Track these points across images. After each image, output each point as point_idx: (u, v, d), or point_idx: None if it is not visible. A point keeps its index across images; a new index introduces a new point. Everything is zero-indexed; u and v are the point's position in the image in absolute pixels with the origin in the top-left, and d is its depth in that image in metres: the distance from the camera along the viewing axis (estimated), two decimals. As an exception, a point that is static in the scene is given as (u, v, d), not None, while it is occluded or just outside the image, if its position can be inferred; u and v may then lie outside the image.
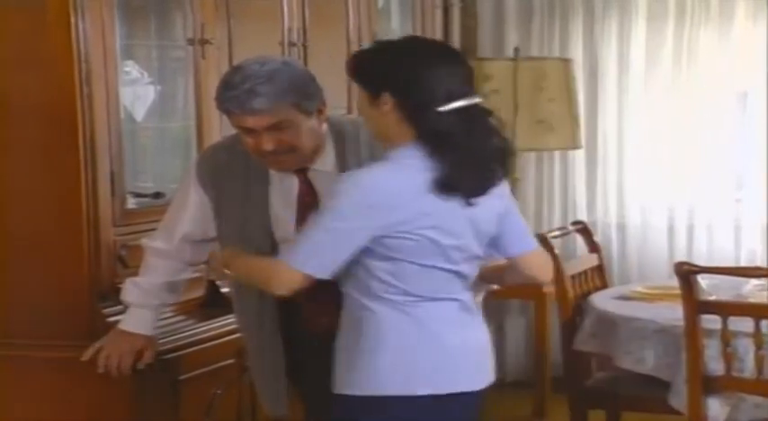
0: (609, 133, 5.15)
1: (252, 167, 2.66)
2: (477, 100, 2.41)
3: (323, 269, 2.34)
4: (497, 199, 2.43)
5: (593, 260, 4.37)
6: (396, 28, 4.78)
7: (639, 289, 4.12)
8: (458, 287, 2.43)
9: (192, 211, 2.75)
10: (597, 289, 4.24)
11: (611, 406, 4.06)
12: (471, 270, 2.46)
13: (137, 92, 3.50)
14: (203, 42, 3.43)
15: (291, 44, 3.85)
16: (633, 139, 5.13)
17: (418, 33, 4.78)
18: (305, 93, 2.58)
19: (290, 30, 3.87)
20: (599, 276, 4.33)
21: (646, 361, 3.64)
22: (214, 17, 3.51)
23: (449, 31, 5.18)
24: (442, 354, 2.38)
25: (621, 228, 5.17)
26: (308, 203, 2.64)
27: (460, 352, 2.40)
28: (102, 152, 3.10)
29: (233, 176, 2.69)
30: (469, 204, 2.36)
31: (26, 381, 3.16)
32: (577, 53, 5.14)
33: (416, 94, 2.34)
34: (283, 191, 2.67)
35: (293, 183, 2.66)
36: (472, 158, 2.34)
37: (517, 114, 4.82)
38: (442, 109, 2.33)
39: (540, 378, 4.87)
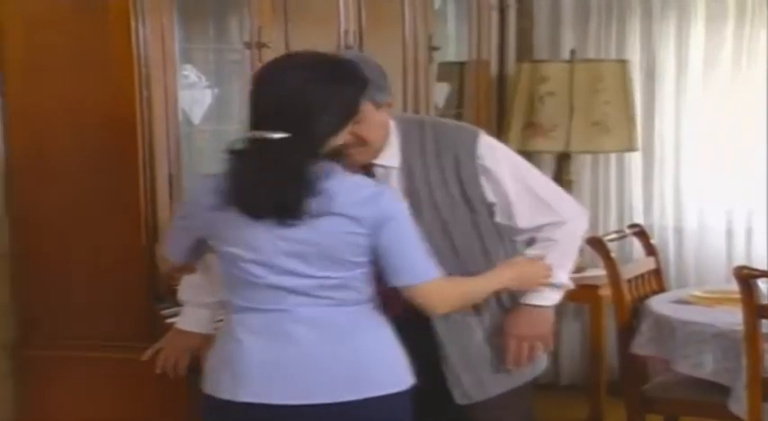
0: (666, 135, 5.11)
1: None
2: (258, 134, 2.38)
3: (175, 254, 2.61)
4: (344, 224, 2.37)
5: (649, 263, 4.33)
6: (452, 30, 4.78)
7: (698, 293, 4.08)
8: (288, 300, 2.40)
9: None
10: (654, 292, 4.21)
11: (669, 411, 4.03)
12: (300, 284, 2.40)
13: (194, 95, 3.54)
14: (260, 46, 3.45)
15: (347, 47, 3.87)
16: (691, 141, 5.08)
17: (474, 35, 4.78)
18: (378, 86, 2.62)
19: (346, 32, 3.89)
20: (656, 280, 4.30)
21: (704, 365, 3.61)
22: (271, 20, 3.53)
23: (504, 32, 5.17)
24: (240, 363, 2.42)
25: (678, 231, 5.12)
26: None
27: (260, 362, 2.41)
28: (161, 155, 3.14)
29: None
30: (282, 224, 2.36)
31: (85, 382, 3.20)
32: (634, 55, 5.10)
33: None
34: None
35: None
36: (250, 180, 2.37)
37: (573, 116, 4.79)
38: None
39: (595, 381, 4.84)
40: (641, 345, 3.88)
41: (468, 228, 2.74)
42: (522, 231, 2.80)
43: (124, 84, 3.06)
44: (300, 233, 2.37)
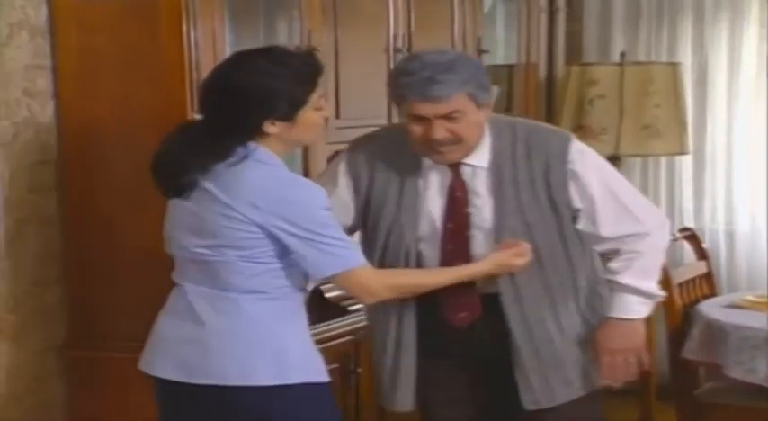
0: (717, 138, 5.06)
1: (405, 159, 2.69)
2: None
3: None
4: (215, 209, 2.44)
5: (701, 267, 4.30)
6: (501, 33, 4.77)
7: (750, 297, 4.04)
8: (193, 275, 2.52)
9: (333, 200, 2.70)
10: (705, 297, 4.17)
11: (721, 417, 3.98)
12: (199, 258, 2.49)
13: (244, 98, 3.55)
14: (310, 49, 3.45)
15: (397, 50, 3.87)
16: (743, 145, 5.03)
17: (523, 38, 4.77)
18: (481, 84, 2.62)
19: (395, 36, 3.89)
20: (707, 284, 4.26)
21: (757, 371, 3.57)
22: (321, 24, 3.54)
23: (553, 35, 5.14)
24: (153, 335, 2.59)
25: (730, 234, 5.07)
26: (459, 198, 2.69)
27: (160, 336, 2.57)
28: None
29: (387, 167, 2.73)
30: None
31: (133, 383, 3.21)
32: (686, 57, 5.05)
33: None
34: (433, 183, 2.71)
35: (445, 176, 2.70)
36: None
37: (623, 120, 4.76)
38: None
39: (645, 386, 4.80)
40: (692, 350, 3.85)
41: (553, 232, 2.72)
42: (604, 240, 2.76)
43: (175, 87, 3.08)
44: (191, 206, 2.47)
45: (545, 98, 5.08)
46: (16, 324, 3.22)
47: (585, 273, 2.79)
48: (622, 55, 4.92)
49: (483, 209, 2.69)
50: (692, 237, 4.41)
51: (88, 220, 3.26)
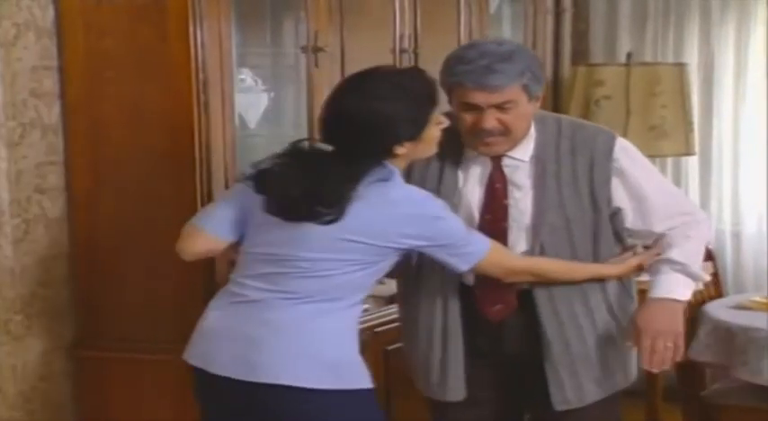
0: (724, 140, 5.05)
1: (447, 147, 2.68)
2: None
3: (218, 229, 2.67)
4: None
5: (707, 268, 4.26)
6: (507, 33, 4.76)
7: (757, 298, 4.04)
8: (270, 278, 2.53)
9: None
10: (712, 298, 4.17)
11: (728, 418, 3.97)
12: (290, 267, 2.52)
13: (250, 99, 3.56)
14: (316, 50, 3.46)
15: (403, 51, 3.87)
16: (749, 146, 5.02)
17: (529, 39, 4.76)
18: (536, 77, 2.64)
19: (401, 37, 3.89)
20: (714, 285, 4.25)
21: (764, 372, 3.57)
22: (327, 25, 3.54)
23: (560, 36, 5.14)
24: (200, 332, 2.61)
25: (737, 235, 5.06)
26: (498, 190, 2.70)
27: (217, 333, 2.56)
28: (217, 159, 3.16)
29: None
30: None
31: (142, 383, 3.24)
32: (692, 58, 5.05)
33: None
34: (473, 174, 2.72)
35: (485, 167, 2.71)
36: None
37: (629, 120, 4.75)
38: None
39: (652, 387, 4.79)
40: (699, 351, 3.84)
41: (589, 230, 2.72)
42: (655, 234, 2.78)
43: (182, 88, 3.09)
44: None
45: (551, 98, 5.08)
46: (23, 324, 3.23)
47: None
48: (629, 55, 4.91)
49: (522, 201, 2.70)
50: (699, 237, 4.39)
51: (95, 221, 3.27)
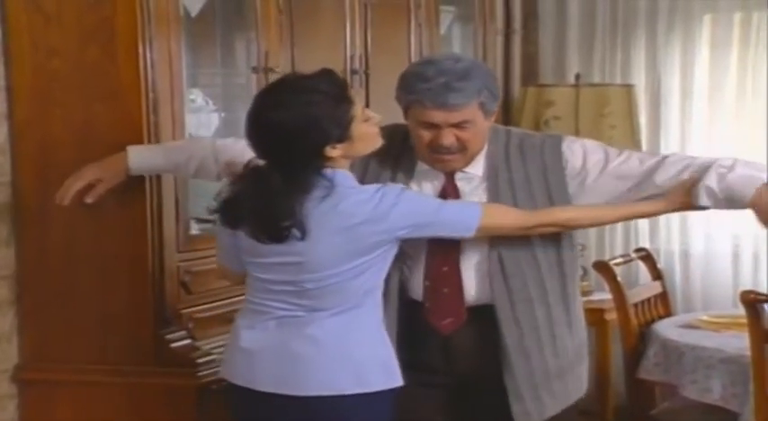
0: (672, 160, 5.11)
1: (401, 158, 2.72)
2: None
3: (233, 264, 2.75)
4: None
5: (656, 288, 4.33)
6: (457, 55, 4.78)
7: (705, 317, 4.08)
8: (283, 297, 2.60)
9: None
10: (661, 317, 4.20)
11: (677, 436, 4.01)
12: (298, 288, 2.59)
13: (201, 119, 3.55)
14: (267, 70, 3.46)
15: (354, 72, 3.88)
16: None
17: (479, 60, 4.79)
18: (492, 94, 2.67)
19: (352, 57, 3.90)
20: (662, 304, 4.29)
21: (712, 391, 3.59)
22: (278, 45, 3.54)
23: (510, 57, 5.18)
24: (237, 350, 2.66)
25: (685, 255, 5.11)
26: (445, 197, 2.71)
27: (251, 353, 2.61)
28: (167, 179, 3.14)
29: (383, 160, 2.73)
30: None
31: (89, 406, 3.19)
32: (640, 79, 5.11)
33: None
34: (425, 188, 2.73)
35: (438, 181, 2.72)
36: None
37: (579, 141, 4.79)
38: None
39: (603, 406, 4.81)
40: (648, 370, 3.87)
41: (548, 235, 2.72)
42: (662, 187, 2.74)
43: (131, 109, 3.06)
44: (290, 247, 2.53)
45: (502, 119, 5.10)
46: (-32, 347, 3.18)
47: (574, 280, 2.81)
48: (578, 77, 4.97)
49: None
50: (648, 257, 4.44)
51: (43, 242, 3.23)
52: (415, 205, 2.57)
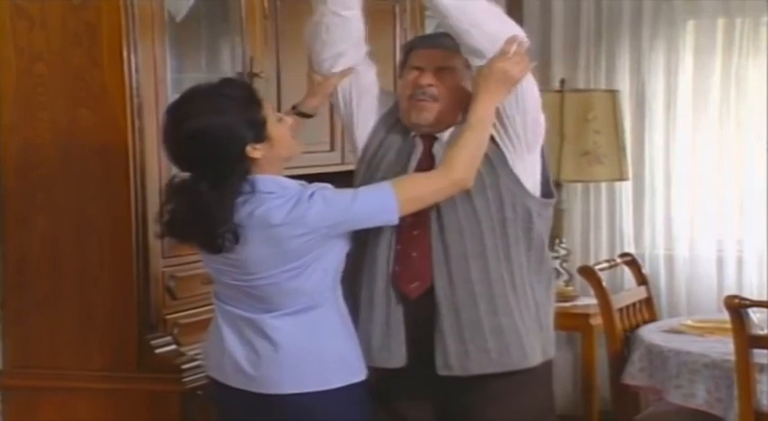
0: (656, 165, 5.13)
1: (404, 131, 2.83)
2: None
3: None
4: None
5: (641, 292, 4.34)
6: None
7: (689, 322, 4.09)
8: (241, 299, 2.65)
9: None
10: (645, 322, 4.21)
11: (662, 441, 4.02)
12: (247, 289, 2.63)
13: (186, 124, 3.53)
14: (252, 75, 3.45)
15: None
16: (681, 171, 5.10)
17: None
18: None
19: (337, 62, 3.89)
20: (647, 309, 4.30)
21: (696, 395, 3.60)
22: (263, 50, 3.54)
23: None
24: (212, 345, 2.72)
25: (670, 260, 5.13)
26: (425, 169, 2.77)
27: (223, 350, 2.67)
28: (152, 184, 3.13)
29: (392, 128, 2.85)
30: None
31: (73, 413, 3.18)
32: (624, 85, 5.13)
33: None
34: (413, 155, 2.80)
35: (418, 149, 2.80)
36: None
37: (563, 145, 4.81)
38: None
39: (588, 411, 4.82)
40: (633, 375, 3.87)
41: (488, 188, 2.73)
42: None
43: (116, 113, 3.06)
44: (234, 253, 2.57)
45: (486, 124, 5.12)
46: (-49, 353, 3.16)
47: (522, 243, 2.78)
48: (562, 82, 4.98)
49: None
50: (633, 262, 4.45)
51: (27, 246, 3.21)
52: (327, 204, 2.57)
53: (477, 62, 2.72)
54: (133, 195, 3.09)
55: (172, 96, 3.24)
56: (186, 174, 2.60)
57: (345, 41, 2.84)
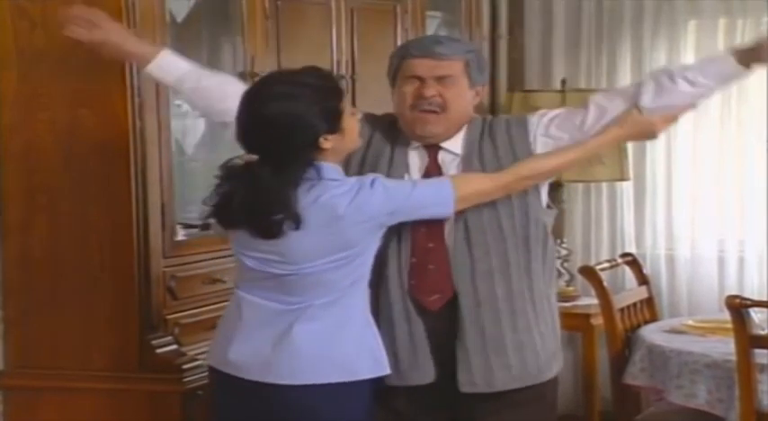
0: (657, 165, 5.12)
1: (398, 140, 2.80)
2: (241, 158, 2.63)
3: None
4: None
5: (642, 292, 4.33)
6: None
7: (690, 322, 4.08)
8: (268, 289, 2.64)
9: None
10: (647, 322, 4.21)
11: (663, 441, 4.01)
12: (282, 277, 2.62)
13: (187, 125, 3.54)
14: (253, 75, 3.45)
15: (340, 76, 3.87)
16: (682, 171, 5.09)
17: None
18: (479, 63, 2.80)
19: (338, 62, 3.90)
20: (648, 309, 4.30)
21: (698, 395, 3.60)
22: (264, 50, 3.54)
23: (496, 63, 5.19)
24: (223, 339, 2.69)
25: (671, 260, 5.12)
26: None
27: (239, 342, 2.64)
28: (153, 184, 3.13)
29: (384, 139, 2.81)
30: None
31: (76, 412, 3.18)
32: (625, 84, 5.12)
33: None
34: (413, 165, 2.79)
35: (423, 160, 2.79)
36: None
37: (565, 146, 4.80)
38: None
39: (589, 411, 4.82)
40: (634, 375, 3.87)
41: (519, 209, 2.74)
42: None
43: (117, 114, 3.06)
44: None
45: (488, 124, 5.12)
46: (-48, 353, 3.17)
47: (542, 259, 2.80)
48: (563, 82, 4.98)
49: None
50: (634, 262, 4.44)
51: (28, 246, 3.22)
52: (388, 191, 2.60)
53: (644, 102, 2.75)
54: (134, 195, 3.10)
55: (173, 97, 3.25)
56: (246, 158, 2.59)
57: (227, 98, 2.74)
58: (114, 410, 3.13)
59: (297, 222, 2.52)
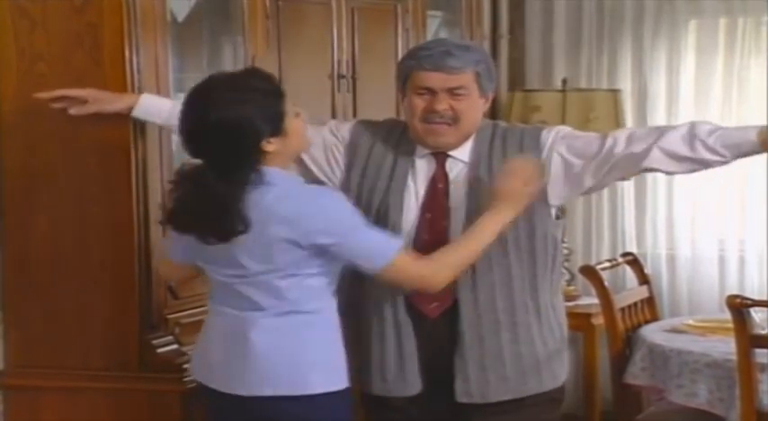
0: (658, 164, 5.12)
1: (401, 146, 2.79)
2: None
3: (175, 254, 2.81)
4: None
5: (642, 292, 4.34)
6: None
7: (691, 322, 4.09)
8: (233, 299, 2.64)
9: (321, 140, 2.84)
10: (647, 321, 4.21)
11: (663, 441, 4.01)
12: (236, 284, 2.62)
13: (187, 124, 3.53)
14: (254, 75, 3.45)
15: (341, 76, 3.88)
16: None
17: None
18: (489, 72, 2.78)
19: (339, 62, 3.90)
20: (649, 308, 4.30)
21: (698, 395, 3.60)
22: (265, 50, 3.54)
23: (497, 62, 5.18)
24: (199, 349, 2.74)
25: (671, 259, 5.13)
26: (440, 190, 2.76)
27: (210, 354, 2.67)
28: (154, 183, 3.13)
29: (384, 147, 2.81)
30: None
31: (76, 412, 3.18)
32: (626, 84, 5.13)
33: None
34: (420, 173, 2.78)
35: (430, 166, 2.78)
36: None
37: (565, 145, 4.80)
38: None
39: (589, 411, 4.82)
40: (634, 375, 3.87)
41: (519, 218, 2.72)
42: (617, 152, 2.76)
43: (119, 113, 3.05)
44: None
45: (488, 124, 5.12)
46: (-48, 353, 3.16)
47: (549, 271, 2.80)
48: (564, 82, 4.98)
49: (462, 202, 2.74)
50: (634, 261, 4.45)
51: (28, 245, 3.22)
52: (333, 214, 2.55)
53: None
54: (134, 195, 3.09)
55: (174, 96, 3.25)
56: (195, 162, 2.59)
57: None
58: (114, 410, 3.13)
59: (244, 226, 2.51)
